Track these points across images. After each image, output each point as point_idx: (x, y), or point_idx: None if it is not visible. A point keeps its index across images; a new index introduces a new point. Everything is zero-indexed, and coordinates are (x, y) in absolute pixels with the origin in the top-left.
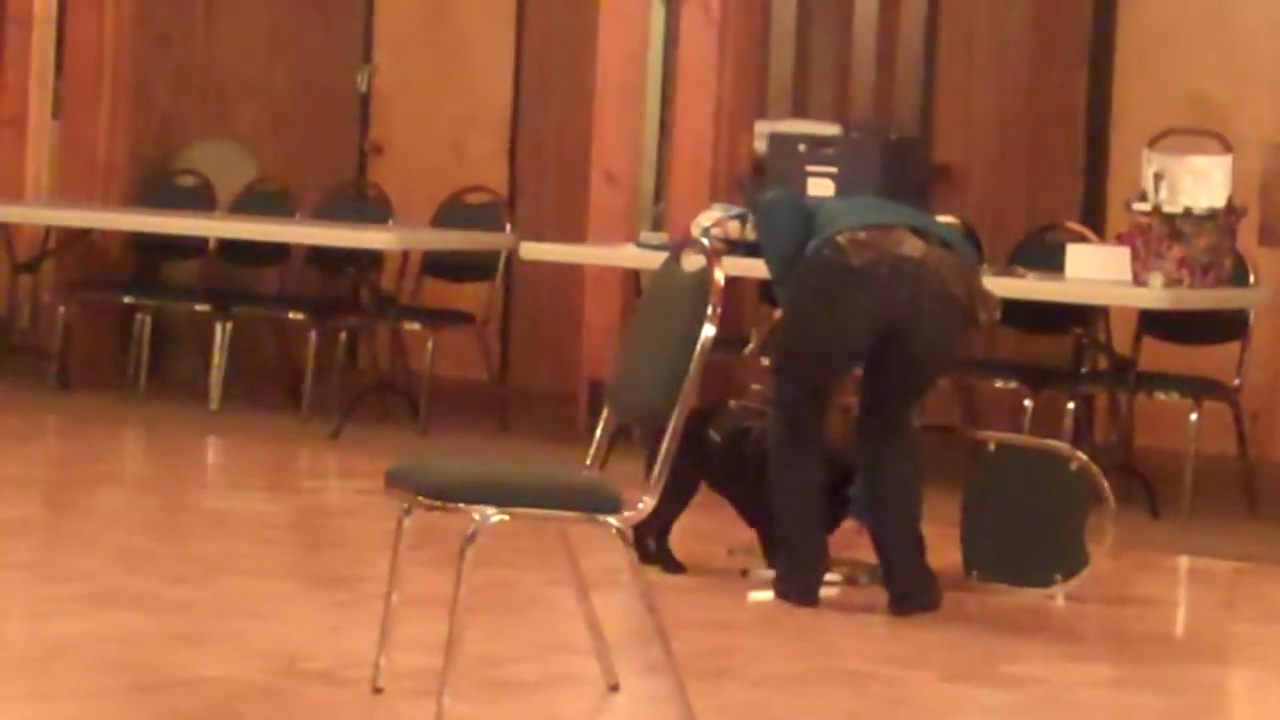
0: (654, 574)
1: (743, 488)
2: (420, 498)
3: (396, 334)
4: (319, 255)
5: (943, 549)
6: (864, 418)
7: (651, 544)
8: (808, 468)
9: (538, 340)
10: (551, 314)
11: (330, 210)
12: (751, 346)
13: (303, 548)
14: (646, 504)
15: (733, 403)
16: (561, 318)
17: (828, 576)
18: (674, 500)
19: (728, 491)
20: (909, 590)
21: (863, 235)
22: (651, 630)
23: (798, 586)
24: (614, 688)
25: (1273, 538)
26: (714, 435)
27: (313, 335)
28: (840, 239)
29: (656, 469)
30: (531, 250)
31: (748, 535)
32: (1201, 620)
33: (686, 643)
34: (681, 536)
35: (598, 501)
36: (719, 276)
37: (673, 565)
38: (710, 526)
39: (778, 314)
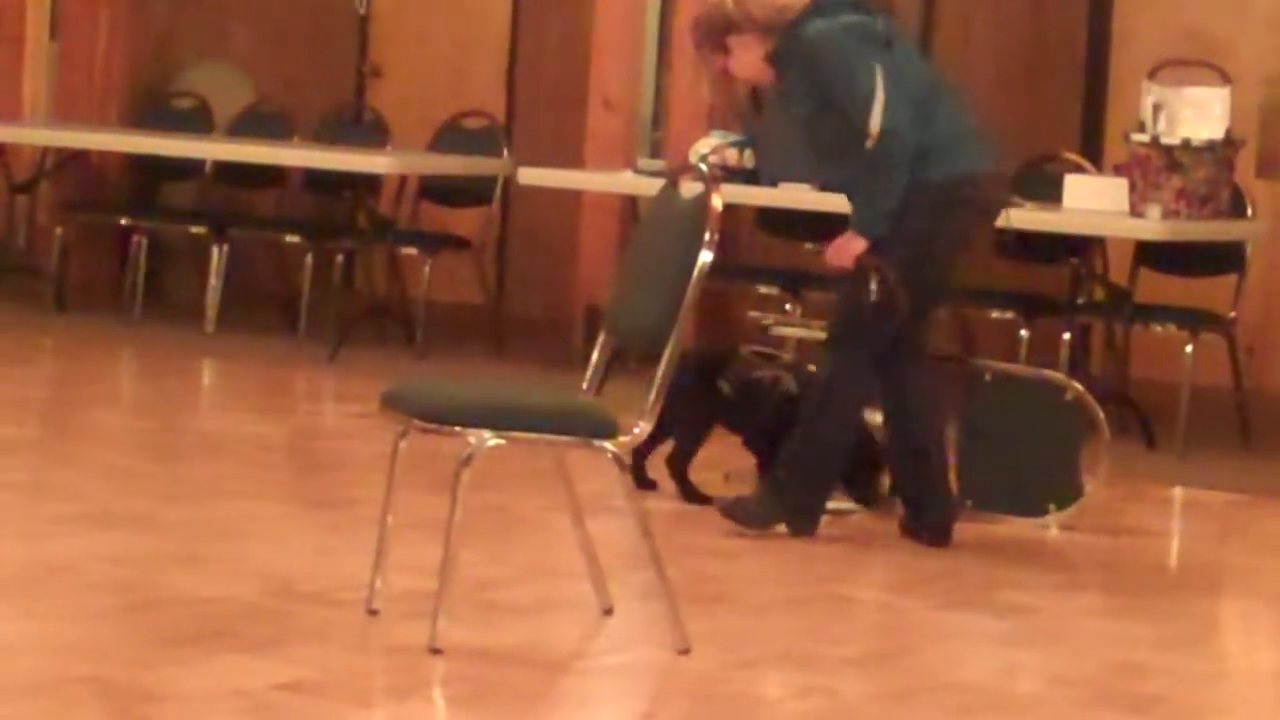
0: (649, 499)
1: (756, 434)
2: (416, 421)
3: (393, 258)
4: (316, 179)
5: None
6: (894, 343)
7: (653, 474)
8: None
9: (534, 265)
10: (548, 239)
11: (328, 133)
12: (876, 287)
13: (298, 470)
14: (643, 429)
15: (743, 349)
16: (558, 243)
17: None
18: (688, 438)
19: (742, 435)
20: (943, 522)
21: (992, 171)
22: (645, 555)
23: (810, 521)
24: (608, 612)
25: (1266, 470)
26: (724, 386)
27: (309, 259)
28: (981, 176)
29: (653, 395)
30: (529, 175)
31: (744, 462)
32: (1194, 551)
33: (680, 568)
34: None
35: (593, 426)
36: (717, 203)
37: (696, 498)
38: (706, 453)
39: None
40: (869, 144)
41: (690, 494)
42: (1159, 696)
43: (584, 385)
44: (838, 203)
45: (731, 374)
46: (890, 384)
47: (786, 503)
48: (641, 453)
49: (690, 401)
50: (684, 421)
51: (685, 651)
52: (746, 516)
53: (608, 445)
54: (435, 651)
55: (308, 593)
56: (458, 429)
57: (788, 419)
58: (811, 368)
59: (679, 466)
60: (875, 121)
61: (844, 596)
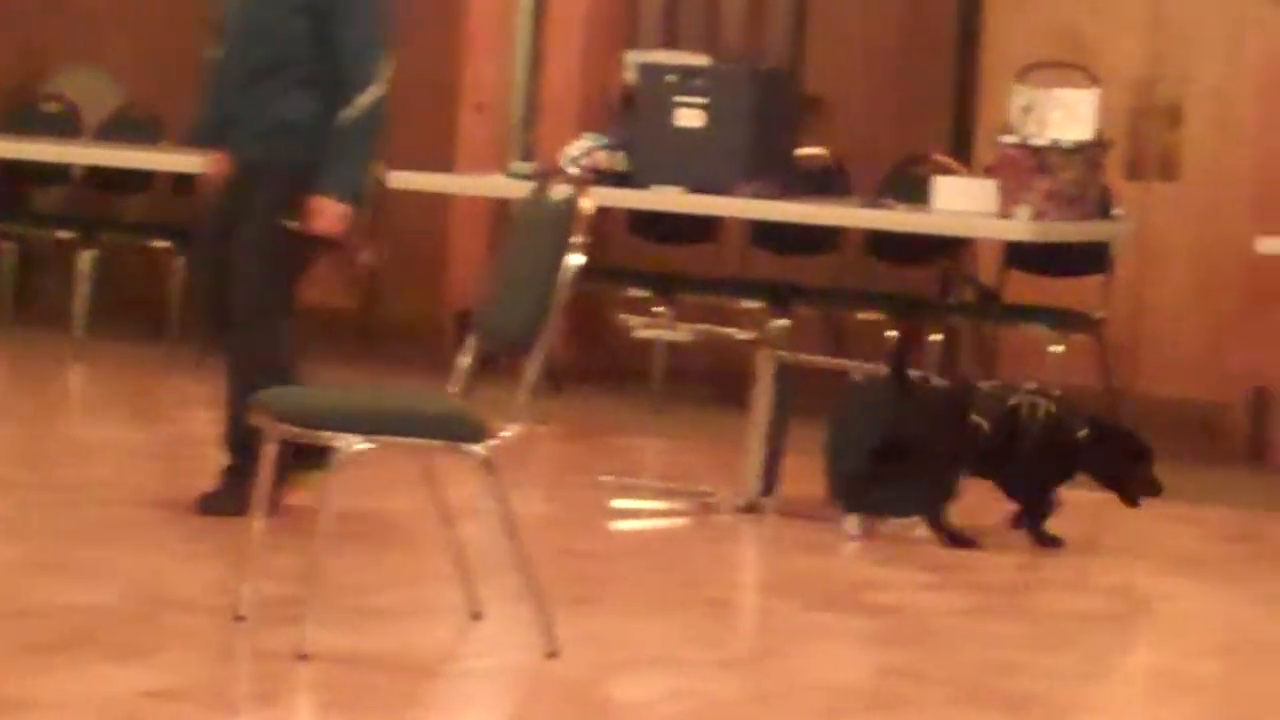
0: (517, 502)
1: (1014, 468)
2: (285, 426)
3: None
4: (185, 183)
5: (808, 479)
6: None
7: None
8: None
9: (405, 269)
10: (419, 243)
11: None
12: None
13: (166, 476)
14: (509, 432)
15: (983, 385)
16: (428, 247)
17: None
18: (943, 481)
19: (997, 476)
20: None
21: None
22: (515, 559)
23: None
24: (477, 616)
25: None
26: (981, 422)
27: (178, 263)
28: None
29: (522, 397)
30: (399, 179)
31: (617, 464)
32: (1060, 550)
33: (550, 571)
34: (547, 465)
35: (462, 430)
36: (587, 206)
37: (962, 542)
38: (579, 455)
39: None
40: (355, 111)
41: (955, 539)
42: (1031, 695)
43: (453, 389)
44: (707, 204)
45: (982, 408)
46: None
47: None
48: (938, 519)
49: (943, 441)
50: (936, 464)
51: (554, 655)
52: (217, 507)
53: (476, 448)
54: (303, 657)
55: (175, 599)
56: (326, 434)
57: (1052, 442)
58: (1056, 391)
59: (935, 512)
60: (372, 92)
61: (715, 599)
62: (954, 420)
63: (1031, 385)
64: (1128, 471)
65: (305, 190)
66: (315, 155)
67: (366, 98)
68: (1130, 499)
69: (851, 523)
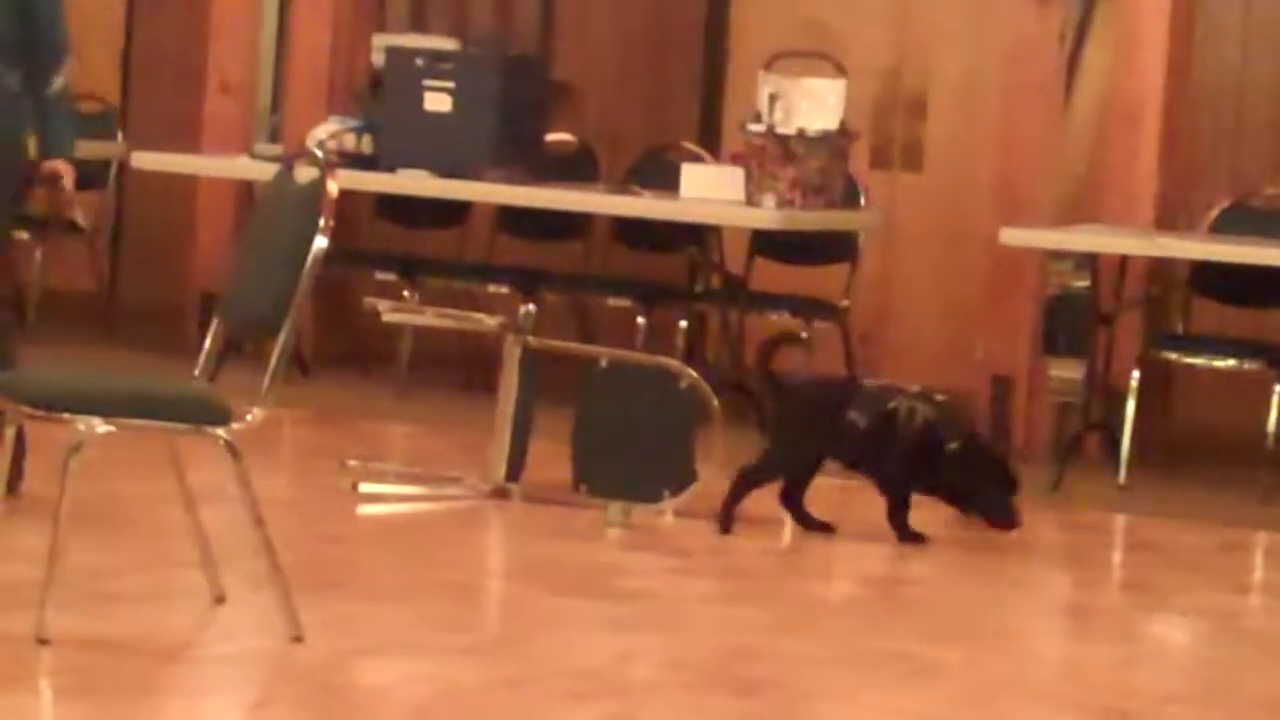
0: (262, 487)
1: (890, 467)
2: (25, 408)
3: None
4: None
5: (555, 464)
6: None
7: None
8: None
9: (149, 251)
10: (163, 225)
11: None
12: None
13: None
14: (256, 415)
15: (868, 382)
16: (173, 229)
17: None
18: (803, 469)
19: (871, 472)
20: None
21: None
22: (259, 543)
23: None
24: (220, 601)
25: None
26: (858, 419)
27: None
28: None
29: (267, 380)
30: (143, 160)
31: (363, 449)
32: (807, 536)
33: (295, 556)
34: (293, 450)
35: (206, 413)
36: (332, 189)
37: (816, 525)
38: (325, 439)
39: None
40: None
41: (809, 522)
42: (770, 680)
43: (197, 372)
44: (454, 189)
45: (861, 404)
46: None
47: None
48: (792, 497)
49: (806, 432)
50: (789, 451)
51: (298, 640)
52: None
53: (220, 432)
54: (42, 642)
55: None
56: (67, 416)
57: (922, 448)
58: (940, 396)
59: (741, 494)
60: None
61: (461, 584)
62: (828, 415)
63: (916, 388)
64: (984, 496)
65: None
66: (26, 124)
67: (69, 64)
68: (989, 521)
69: (614, 510)
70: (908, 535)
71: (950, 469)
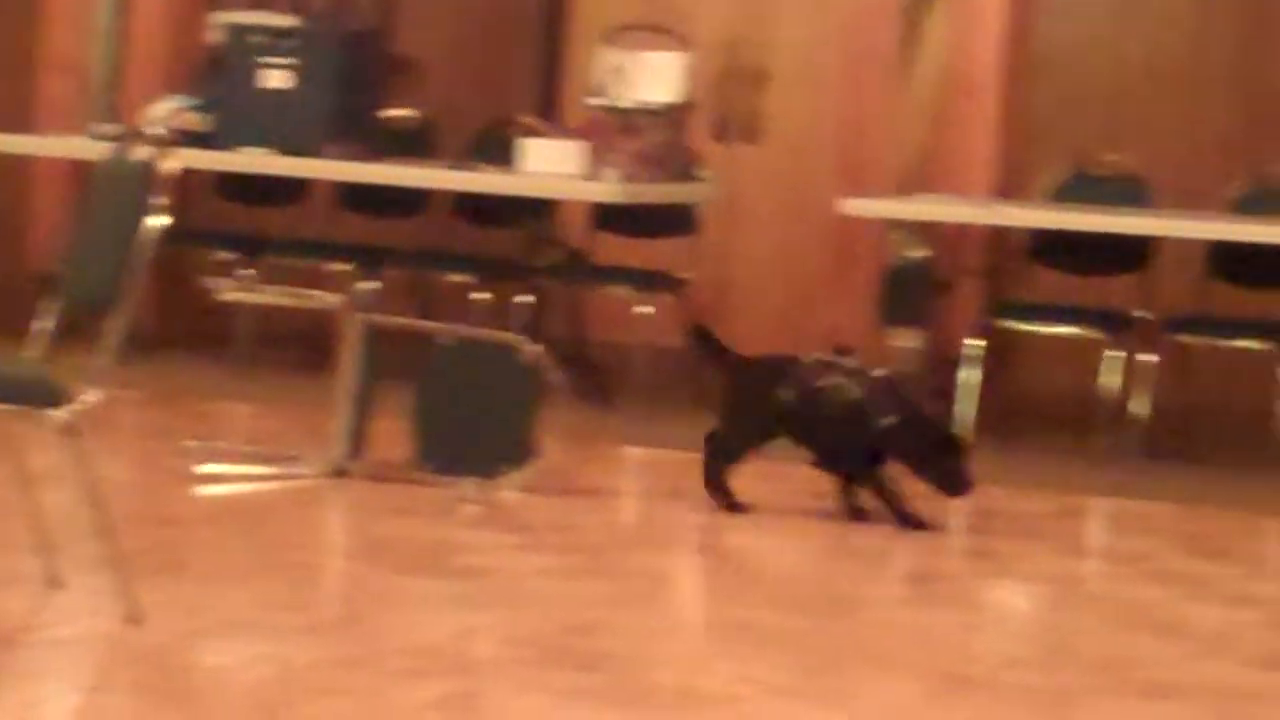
0: (100, 468)
1: (822, 443)
2: None
3: None
4: None
5: (396, 442)
6: None
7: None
8: None
9: None
10: None
11: None
12: None
13: None
14: (90, 397)
15: (804, 357)
16: (9, 209)
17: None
18: (736, 445)
19: (806, 444)
20: None
21: None
22: (96, 526)
23: None
24: (56, 584)
25: None
26: (786, 395)
27: None
28: None
29: (104, 360)
30: None
31: (202, 429)
32: (649, 509)
33: (134, 537)
34: (131, 430)
35: (41, 394)
36: (169, 167)
37: (732, 505)
38: (163, 420)
39: None
40: None
41: (726, 500)
42: (611, 653)
43: (32, 352)
44: (294, 166)
45: (791, 381)
46: None
47: None
48: (719, 472)
49: (747, 409)
50: (736, 428)
51: (136, 622)
52: None
53: (56, 413)
54: None
55: None
56: None
57: (852, 426)
58: (877, 372)
59: (718, 470)
60: None
61: (300, 563)
62: (764, 393)
63: (852, 364)
64: (934, 463)
65: None
66: None
67: None
68: (943, 490)
69: (468, 486)
70: (854, 514)
71: (894, 442)
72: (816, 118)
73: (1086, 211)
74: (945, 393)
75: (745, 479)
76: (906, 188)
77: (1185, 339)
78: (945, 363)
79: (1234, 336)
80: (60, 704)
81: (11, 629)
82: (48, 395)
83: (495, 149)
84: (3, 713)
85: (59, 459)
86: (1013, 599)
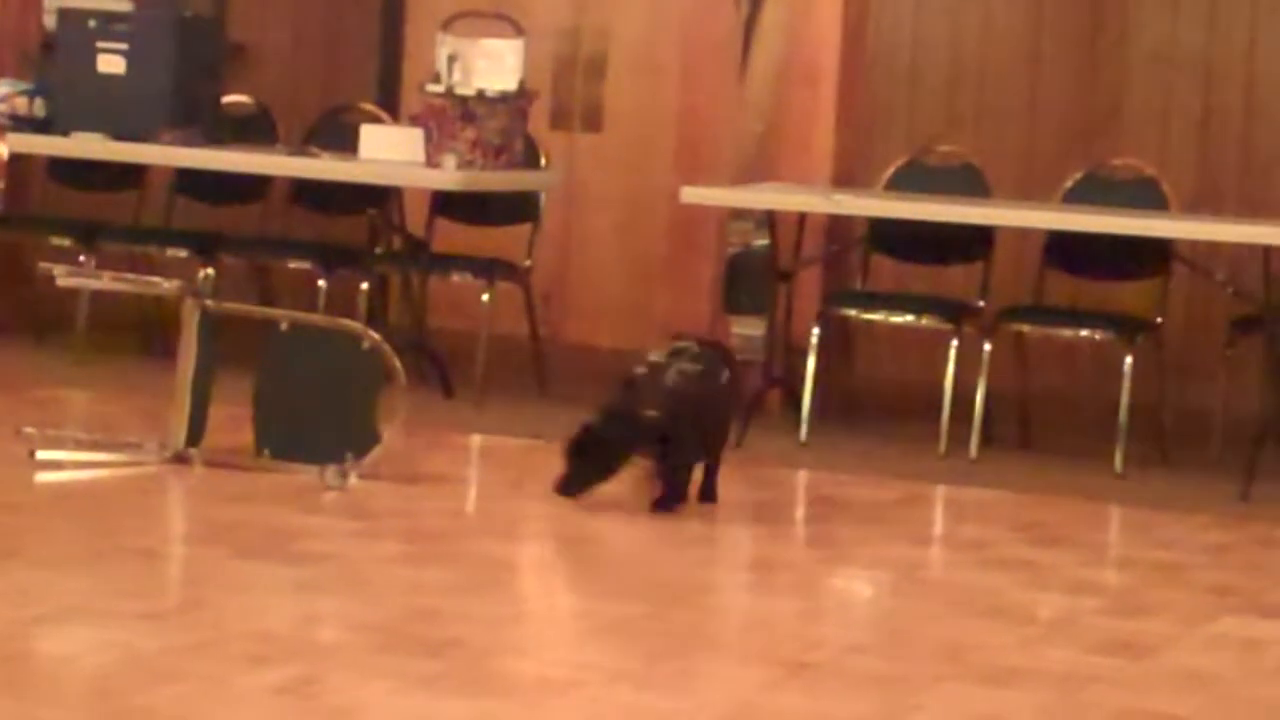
0: None
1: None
2: None
3: None
4: None
5: (237, 429)
6: None
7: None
8: None
9: None
10: None
11: None
12: None
13: None
14: None
15: (638, 368)
16: None
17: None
18: (595, 472)
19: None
20: None
21: None
22: None
23: None
24: None
25: (560, 416)
26: (651, 414)
27: None
28: None
29: None
30: None
31: (40, 416)
32: (491, 497)
33: None
34: None
35: None
36: (3, 150)
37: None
38: (0, 408)
39: None
40: None
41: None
42: (454, 640)
43: None
44: (130, 152)
45: (647, 397)
46: None
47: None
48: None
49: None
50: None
51: None
52: None
53: None
54: None
55: None
56: None
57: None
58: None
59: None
60: None
61: (140, 549)
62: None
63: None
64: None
65: None
66: None
67: None
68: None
69: (331, 473)
70: (660, 506)
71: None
72: (656, 105)
73: (922, 200)
74: (788, 381)
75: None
76: (746, 176)
77: (1022, 328)
78: (787, 351)
79: (1070, 325)
80: None
81: None
82: None
83: (333, 135)
84: None
85: None
86: (854, 586)
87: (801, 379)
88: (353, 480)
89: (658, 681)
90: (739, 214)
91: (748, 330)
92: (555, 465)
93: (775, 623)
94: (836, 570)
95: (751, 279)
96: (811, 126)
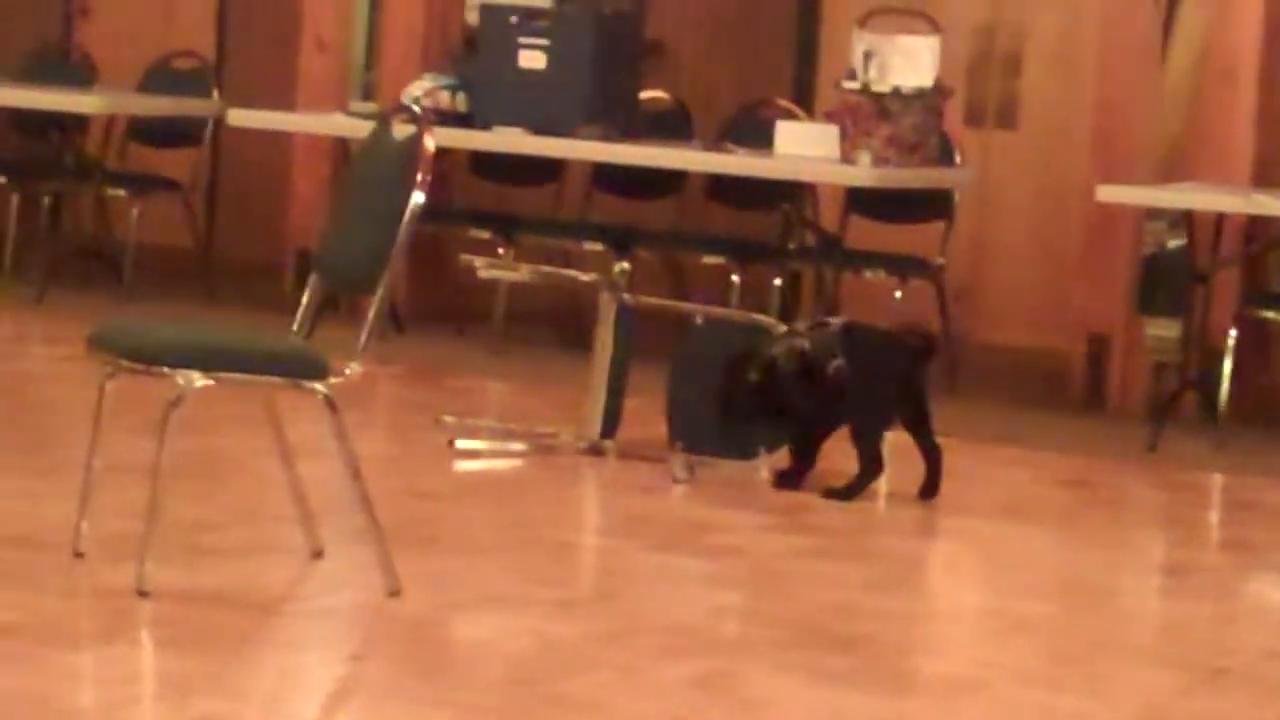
0: (359, 442)
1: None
2: (124, 361)
3: (101, 200)
4: (22, 119)
5: (651, 421)
6: None
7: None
8: None
9: (245, 208)
10: (259, 182)
11: (34, 73)
12: None
13: (3, 414)
14: (354, 370)
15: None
16: (269, 186)
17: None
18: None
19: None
20: None
21: None
22: (356, 497)
23: None
24: (318, 555)
25: (973, 414)
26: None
27: (15, 200)
28: None
29: (364, 336)
30: (239, 117)
31: (458, 405)
32: (901, 493)
33: (392, 511)
34: (389, 405)
35: (304, 367)
36: (429, 145)
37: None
38: (420, 395)
39: None
40: None
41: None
42: (866, 636)
43: (294, 328)
44: (549, 146)
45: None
46: None
47: None
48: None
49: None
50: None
51: (396, 594)
52: None
53: (318, 386)
54: (143, 594)
55: (12, 536)
56: (166, 369)
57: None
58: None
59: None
60: None
61: (556, 539)
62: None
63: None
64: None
65: None
66: None
67: None
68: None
69: (678, 464)
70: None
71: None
72: (1071, 103)
73: None
74: (1203, 384)
75: (985, 465)
76: (1163, 175)
77: None
78: (1203, 353)
79: None
80: (322, 673)
81: (274, 598)
82: (310, 369)
83: (749, 131)
84: (263, 679)
85: (318, 432)
86: (1270, 590)
87: (1217, 382)
88: (765, 473)
89: (1067, 683)
90: (1153, 213)
91: (1163, 331)
92: (970, 465)
93: (1188, 627)
94: (1252, 575)
95: (1167, 280)
96: (1230, 125)
